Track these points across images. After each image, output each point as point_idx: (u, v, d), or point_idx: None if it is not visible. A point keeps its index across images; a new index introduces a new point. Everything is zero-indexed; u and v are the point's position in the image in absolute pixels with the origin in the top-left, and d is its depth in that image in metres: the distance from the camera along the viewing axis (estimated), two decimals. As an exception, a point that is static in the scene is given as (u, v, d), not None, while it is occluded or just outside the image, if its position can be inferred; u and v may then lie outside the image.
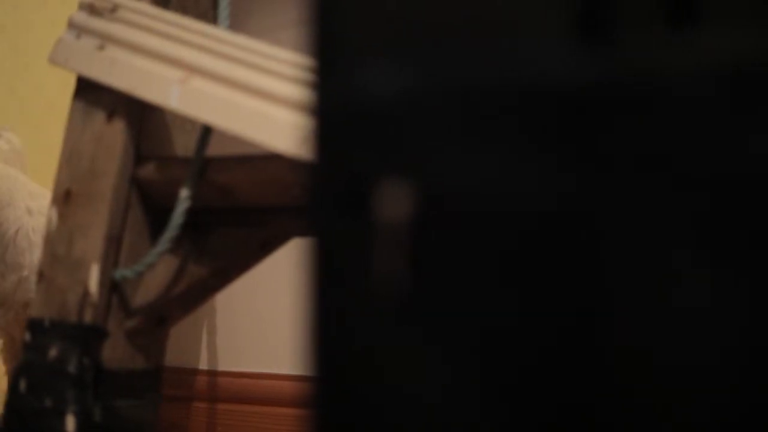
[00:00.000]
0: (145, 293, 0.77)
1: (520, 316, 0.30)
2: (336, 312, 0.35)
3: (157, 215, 0.78)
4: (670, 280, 0.27)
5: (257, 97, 0.71)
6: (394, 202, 0.34)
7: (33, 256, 1.43)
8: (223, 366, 1.00)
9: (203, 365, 1.00)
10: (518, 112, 0.31)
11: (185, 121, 0.83)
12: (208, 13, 0.84)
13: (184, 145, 0.83)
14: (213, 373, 1.00)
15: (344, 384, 0.34)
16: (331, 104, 0.36)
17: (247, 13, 0.93)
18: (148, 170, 0.77)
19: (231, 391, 0.98)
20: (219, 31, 0.74)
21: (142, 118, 0.77)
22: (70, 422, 0.71)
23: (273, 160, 0.73)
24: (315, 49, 0.36)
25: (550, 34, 0.30)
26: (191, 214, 0.75)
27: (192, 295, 0.77)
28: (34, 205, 1.44)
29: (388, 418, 0.33)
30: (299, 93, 0.70)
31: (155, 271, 0.76)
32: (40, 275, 0.76)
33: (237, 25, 0.82)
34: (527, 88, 0.30)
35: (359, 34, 0.35)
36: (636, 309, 0.28)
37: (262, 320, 0.99)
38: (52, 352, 0.73)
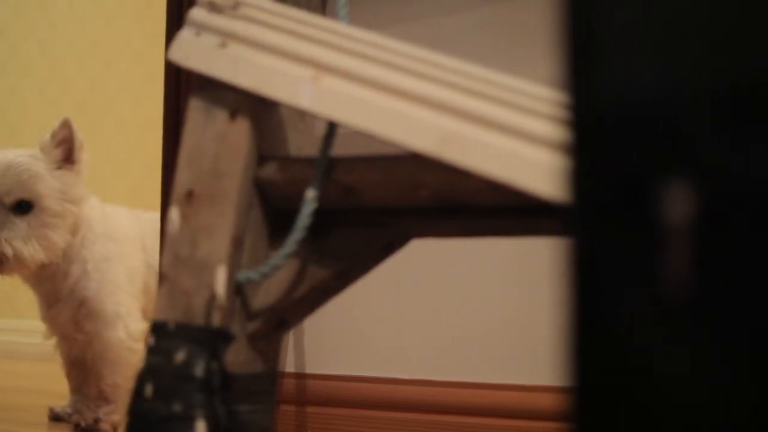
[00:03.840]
0: (266, 296, 0.75)
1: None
2: (611, 320, 0.34)
3: (274, 216, 0.77)
4: None
5: (393, 96, 0.70)
6: (677, 202, 0.33)
7: (92, 251, 1.43)
8: (310, 369, 0.98)
9: (290, 368, 0.98)
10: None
11: (298, 120, 0.81)
12: (319, 11, 0.83)
13: (296, 145, 0.81)
14: (300, 376, 0.98)
15: (615, 399, 0.33)
16: (603, 105, 0.35)
17: (357, 8, 0.92)
18: (270, 170, 0.75)
19: (318, 394, 0.97)
20: (348, 28, 0.73)
21: (263, 118, 0.76)
22: (200, 428, 0.70)
23: (402, 160, 0.72)
24: (581, 47, 0.35)
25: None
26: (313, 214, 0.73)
27: (313, 297, 0.76)
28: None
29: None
30: (438, 92, 0.69)
31: (276, 273, 0.75)
32: (162, 277, 0.74)
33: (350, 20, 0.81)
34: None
35: (634, 29, 0.34)
36: None
37: (350, 323, 0.97)
38: (179, 356, 0.71)
